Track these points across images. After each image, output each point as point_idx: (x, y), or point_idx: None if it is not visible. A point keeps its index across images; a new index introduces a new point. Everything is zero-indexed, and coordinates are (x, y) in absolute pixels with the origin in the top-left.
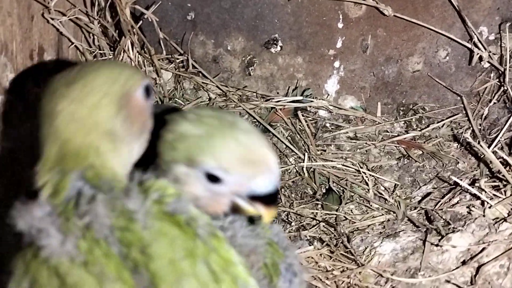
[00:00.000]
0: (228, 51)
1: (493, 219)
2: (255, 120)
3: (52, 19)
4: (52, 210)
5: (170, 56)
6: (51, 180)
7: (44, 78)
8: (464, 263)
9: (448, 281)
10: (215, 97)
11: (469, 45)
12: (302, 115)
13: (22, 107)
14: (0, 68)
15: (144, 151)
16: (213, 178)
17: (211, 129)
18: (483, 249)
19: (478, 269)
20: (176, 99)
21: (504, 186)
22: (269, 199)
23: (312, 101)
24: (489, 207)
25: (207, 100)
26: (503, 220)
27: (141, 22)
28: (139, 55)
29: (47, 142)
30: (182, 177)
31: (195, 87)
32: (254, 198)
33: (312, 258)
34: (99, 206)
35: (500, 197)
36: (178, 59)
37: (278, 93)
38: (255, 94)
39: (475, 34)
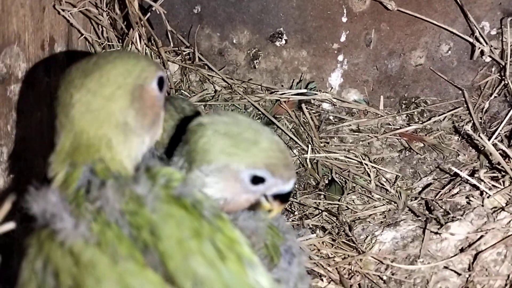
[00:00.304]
0: (234, 44)
1: (491, 209)
2: (259, 112)
3: (63, 10)
4: (63, 198)
5: (177, 48)
6: (63, 172)
7: (55, 68)
8: (462, 250)
9: (446, 268)
10: (221, 90)
11: (471, 40)
12: (306, 108)
13: (33, 96)
14: (13, 58)
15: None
16: (257, 180)
17: (254, 133)
18: (481, 237)
19: (475, 257)
20: (182, 91)
21: (503, 176)
22: (287, 197)
23: (316, 94)
24: (488, 197)
25: (213, 92)
26: (501, 210)
27: (149, 14)
28: (147, 47)
29: (61, 132)
30: (219, 176)
31: (201, 79)
32: (276, 196)
33: (314, 245)
34: (109, 191)
35: (498, 188)
36: (184, 51)
37: (282, 86)
38: (260, 86)
39: (477, 28)
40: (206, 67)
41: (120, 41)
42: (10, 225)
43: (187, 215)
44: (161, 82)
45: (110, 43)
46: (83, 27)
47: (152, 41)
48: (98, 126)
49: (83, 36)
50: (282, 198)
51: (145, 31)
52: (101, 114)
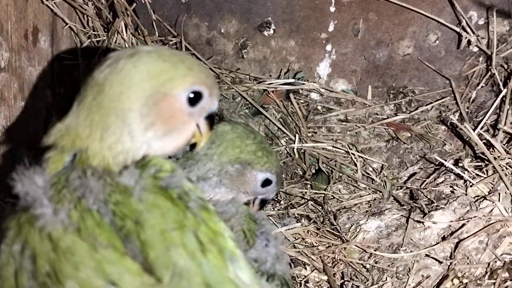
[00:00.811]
0: (222, 34)
1: (474, 197)
2: (247, 102)
3: (47, 0)
4: (47, 181)
5: (163, 38)
6: (53, 154)
7: (39, 58)
8: (444, 239)
9: (428, 256)
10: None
11: (458, 30)
12: (294, 98)
13: (17, 85)
14: None
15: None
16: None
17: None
18: (463, 225)
19: (457, 245)
20: None
21: (486, 166)
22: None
23: (304, 84)
24: (471, 186)
25: None
26: (483, 198)
27: (134, 4)
28: (133, 37)
29: (72, 111)
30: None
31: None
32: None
33: (299, 234)
34: (90, 181)
35: (482, 177)
36: (171, 41)
37: (270, 75)
38: (248, 76)
39: (464, 18)
40: (194, 56)
41: (106, 30)
42: None
43: (173, 206)
44: (196, 97)
45: (95, 33)
46: (68, 17)
47: (139, 31)
48: (100, 116)
49: (68, 25)
50: (211, 119)
51: (131, 20)
52: (107, 107)
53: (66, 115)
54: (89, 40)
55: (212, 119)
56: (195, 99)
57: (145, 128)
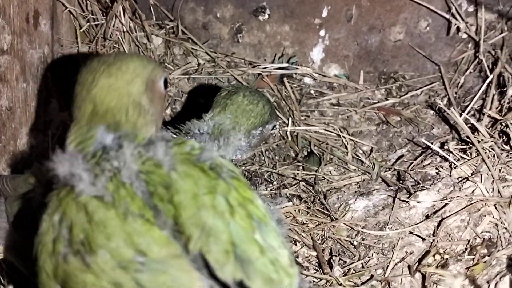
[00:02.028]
0: (218, 18)
1: (457, 178)
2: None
3: None
4: (82, 158)
5: (160, 22)
6: (80, 134)
7: (40, 41)
8: (428, 217)
9: (412, 233)
10: (204, 63)
11: (448, 16)
12: (288, 82)
13: (19, 68)
14: None
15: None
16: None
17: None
18: (446, 204)
19: (440, 223)
20: (166, 64)
21: (470, 148)
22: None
23: (297, 69)
24: (455, 168)
25: (196, 65)
26: (466, 179)
27: None
28: (131, 21)
29: (81, 106)
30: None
31: (184, 52)
32: None
33: (290, 213)
34: (126, 153)
35: (466, 159)
36: (168, 25)
37: (265, 60)
38: (243, 60)
39: (454, 5)
40: (190, 40)
41: (104, 14)
42: None
43: (205, 176)
44: (165, 83)
45: (94, 17)
46: (67, 1)
47: (136, 15)
48: (118, 100)
49: (67, 9)
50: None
51: (129, 4)
52: (122, 93)
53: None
54: (88, 24)
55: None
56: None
57: (150, 106)
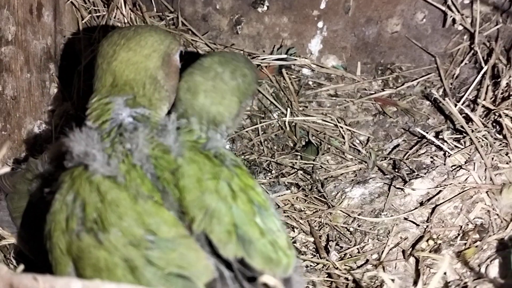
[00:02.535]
0: (217, 10)
1: (451, 166)
2: None
3: None
4: (98, 137)
5: (161, 13)
6: (100, 105)
7: (43, 31)
8: (422, 204)
9: (406, 219)
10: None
11: (444, 8)
12: (286, 73)
13: (23, 58)
14: (3, 21)
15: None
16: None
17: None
18: (440, 192)
19: (434, 210)
20: None
21: (464, 137)
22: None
23: (296, 60)
24: (449, 156)
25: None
26: (459, 167)
27: None
28: (131, 12)
29: (102, 77)
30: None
31: (184, 44)
32: None
33: (288, 200)
34: (140, 137)
35: (460, 147)
36: (168, 16)
37: (264, 51)
38: (242, 52)
39: None
40: (189, 32)
41: (106, 6)
42: (6, 169)
43: (209, 162)
44: (181, 56)
45: (96, 8)
46: None
47: (137, 6)
48: (136, 73)
49: (70, 0)
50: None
51: None
52: (139, 66)
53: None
54: (90, 15)
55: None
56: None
57: (165, 81)
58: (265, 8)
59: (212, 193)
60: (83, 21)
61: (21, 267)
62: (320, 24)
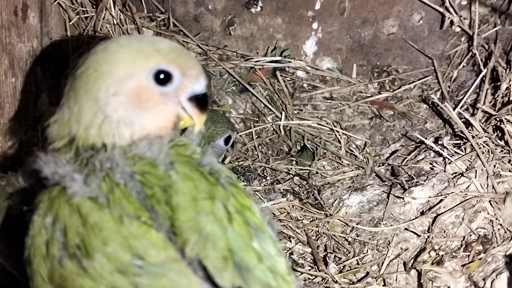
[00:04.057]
0: (209, 10)
1: (452, 174)
2: (234, 79)
3: None
4: (70, 160)
5: (151, 14)
6: (64, 139)
7: (29, 34)
8: (422, 213)
9: (407, 229)
10: (196, 56)
11: (441, 10)
12: (281, 75)
13: (8, 62)
14: None
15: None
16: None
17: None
18: (441, 200)
19: (435, 219)
20: None
21: (464, 143)
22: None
23: (290, 62)
24: (450, 163)
25: None
26: (460, 175)
27: None
28: (121, 13)
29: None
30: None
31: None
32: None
33: (284, 209)
34: (115, 155)
35: (460, 154)
36: (159, 17)
37: (257, 53)
38: (235, 53)
39: None
40: (181, 33)
41: (94, 6)
42: None
43: (204, 180)
44: (165, 76)
45: (84, 9)
46: None
47: (127, 7)
48: (75, 101)
49: (57, 1)
50: (199, 102)
51: None
52: (81, 94)
53: (59, 107)
54: (78, 16)
55: (202, 101)
56: (164, 79)
57: (115, 108)
58: (259, 8)
59: (207, 215)
60: (70, 23)
61: None
62: (315, 25)
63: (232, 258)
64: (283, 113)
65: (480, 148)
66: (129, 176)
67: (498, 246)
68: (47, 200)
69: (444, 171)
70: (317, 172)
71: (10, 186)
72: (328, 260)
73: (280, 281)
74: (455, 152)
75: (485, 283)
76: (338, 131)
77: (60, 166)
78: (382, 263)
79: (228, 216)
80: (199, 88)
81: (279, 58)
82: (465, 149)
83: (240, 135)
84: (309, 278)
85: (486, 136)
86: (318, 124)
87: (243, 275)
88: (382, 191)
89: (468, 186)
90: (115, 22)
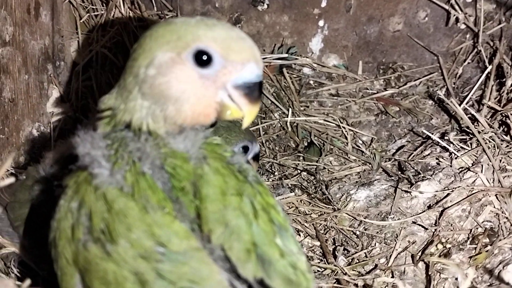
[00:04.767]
0: (216, 8)
1: (458, 169)
2: None
3: None
4: (105, 143)
5: (160, 12)
6: (106, 112)
7: (41, 31)
8: (430, 207)
9: (414, 223)
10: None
11: (446, 7)
12: (287, 73)
13: (21, 59)
14: (0, 22)
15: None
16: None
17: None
18: (448, 195)
19: (442, 213)
20: None
21: (471, 139)
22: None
23: (296, 59)
24: (456, 158)
25: None
26: (467, 169)
27: None
28: (130, 11)
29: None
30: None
31: None
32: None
33: (292, 203)
34: (146, 146)
35: (466, 149)
36: (167, 15)
37: (264, 50)
38: None
39: None
40: None
41: (104, 4)
42: (10, 180)
43: (234, 177)
44: (206, 58)
45: (94, 7)
46: None
47: (136, 5)
48: (124, 80)
49: (68, 0)
50: (249, 91)
51: None
52: (128, 71)
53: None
54: (88, 14)
55: (252, 91)
56: (205, 60)
57: (150, 86)
58: (265, 6)
59: (235, 210)
60: (81, 21)
61: (27, 282)
62: (321, 23)
63: (256, 251)
64: (290, 109)
65: (486, 143)
66: (158, 168)
67: (504, 238)
68: (74, 184)
69: (451, 166)
70: (324, 168)
71: (30, 179)
72: (337, 253)
73: (300, 277)
74: (461, 147)
75: (492, 274)
76: (344, 127)
77: (95, 147)
78: (390, 256)
79: (254, 212)
80: (248, 76)
81: (285, 55)
82: (471, 144)
83: None
84: (318, 271)
85: (492, 131)
86: (324, 120)
87: (265, 268)
88: (389, 185)
89: (475, 180)
90: (125, 20)
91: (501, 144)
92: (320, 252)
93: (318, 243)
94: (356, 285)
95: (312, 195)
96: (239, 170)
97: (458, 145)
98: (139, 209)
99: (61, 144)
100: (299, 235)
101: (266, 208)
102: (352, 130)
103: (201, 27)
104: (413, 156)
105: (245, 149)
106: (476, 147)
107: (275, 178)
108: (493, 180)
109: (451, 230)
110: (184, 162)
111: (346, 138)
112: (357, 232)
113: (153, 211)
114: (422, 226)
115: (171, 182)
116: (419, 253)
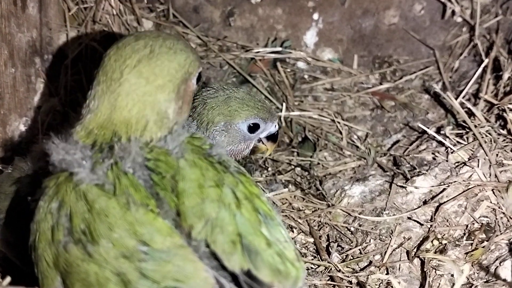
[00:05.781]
0: (209, 1)
1: (454, 163)
2: (235, 70)
3: None
4: (83, 148)
5: (151, 5)
6: (97, 136)
7: (28, 24)
8: (425, 203)
9: (410, 219)
10: (196, 47)
11: (442, 0)
12: (281, 67)
13: (7, 52)
14: None
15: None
16: (253, 128)
17: (245, 95)
18: (443, 190)
19: (437, 208)
20: None
21: (467, 133)
22: (276, 136)
23: (291, 53)
24: (452, 153)
25: None
26: (463, 164)
27: None
28: (120, 4)
29: (100, 102)
30: (223, 131)
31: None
32: (268, 138)
33: (286, 199)
34: (133, 146)
35: (463, 144)
36: (159, 8)
37: (258, 44)
38: (235, 44)
39: None
40: (181, 24)
41: None
42: None
43: (212, 168)
44: (199, 77)
45: None
46: None
47: None
48: (141, 108)
49: None
50: (273, 138)
51: None
52: (148, 100)
53: (85, 107)
54: (77, 6)
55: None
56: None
57: (176, 113)
58: None
59: (213, 202)
60: (70, 13)
61: (7, 279)
62: (315, 16)
63: (241, 242)
64: (284, 104)
65: (482, 137)
66: (139, 165)
67: (501, 234)
68: (54, 186)
69: (447, 160)
70: (318, 163)
71: (17, 171)
72: (330, 249)
73: (289, 266)
74: (457, 142)
75: (488, 270)
76: (339, 122)
77: (70, 154)
78: (385, 252)
79: (237, 202)
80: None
81: (279, 49)
82: (467, 138)
83: None
84: (312, 268)
85: (488, 126)
86: (319, 115)
87: (252, 259)
88: (385, 181)
89: (471, 175)
90: (115, 13)
91: (498, 138)
92: (314, 249)
93: (311, 240)
94: (350, 282)
95: (306, 191)
96: (218, 162)
97: (454, 139)
98: (121, 207)
99: (39, 145)
100: (293, 231)
101: (249, 197)
102: (347, 125)
103: (192, 54)
104: (409, 151)
105: (255, 127)
106: (472, 141)
107: (268, 174)
108: (490, 175)
109: (447, 226)
110: (165, 156)
111: (341, 133)
112: (352, 228)
113: (135, 208)
114: (418, 222)
115: (152, 178)
116: (415, 250)
